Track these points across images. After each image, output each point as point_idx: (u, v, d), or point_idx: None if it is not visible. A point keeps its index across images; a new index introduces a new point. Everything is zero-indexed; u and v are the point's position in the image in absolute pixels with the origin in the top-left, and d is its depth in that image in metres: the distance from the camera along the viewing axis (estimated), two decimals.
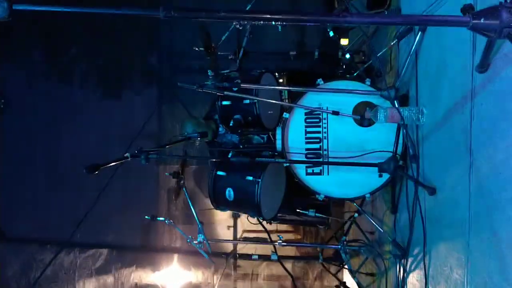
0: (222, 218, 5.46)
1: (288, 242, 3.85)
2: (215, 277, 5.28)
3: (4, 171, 4.70)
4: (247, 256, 4.60)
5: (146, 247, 5.49)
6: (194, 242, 3.15)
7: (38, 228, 5.05)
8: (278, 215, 3.41)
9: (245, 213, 3.19)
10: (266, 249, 4.33)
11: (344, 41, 3.55)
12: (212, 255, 3.36)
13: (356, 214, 3.23)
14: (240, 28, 3.26)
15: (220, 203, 3.08)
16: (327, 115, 2.69)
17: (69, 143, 5.27)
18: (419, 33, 2.39)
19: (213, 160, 3.14)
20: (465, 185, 1.96)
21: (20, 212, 4.96)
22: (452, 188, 2.11)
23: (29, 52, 5.27)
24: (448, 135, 2.17)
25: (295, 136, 2.75)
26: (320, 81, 2.70)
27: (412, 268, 2.62)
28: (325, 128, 2.72)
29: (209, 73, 2.87)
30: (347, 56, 3.23)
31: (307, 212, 3.45)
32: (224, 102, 3.00)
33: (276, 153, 2.87)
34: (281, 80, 3.51)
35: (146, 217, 3.32)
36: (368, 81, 2.65)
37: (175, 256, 5.39)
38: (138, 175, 5.22)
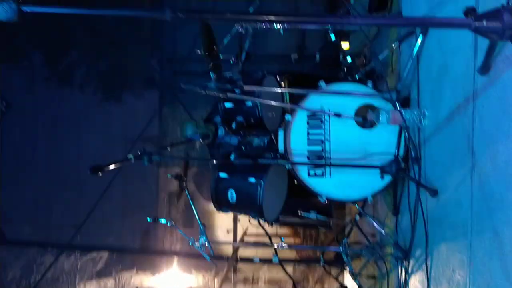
0: (222, 221, 5.46)
1: (290, 245, 3.84)
2: (215, 280, 5.27)
3: (5, 173, 4.71)
4: (248, 260, 4.60)
5: (147, 250, 5.49)
6: (196, 244, 3.15)
7: (39, 231, 5.06)
8: (280, 217, 3.41)
9: (247, 215, 3.19)
10: (267, 253, 4.33)
11: (345, 45, 3.57)
12: (213, 258, 3.37)
13: (357, 217, 3.23)
14: (243, 31, 3.29)
15: (222, 205, 3.09)
16: (329, 117, 2.70)
17: (70, 146, 5.28)
18: (421, 36, 2.41)
19: (215, 162, 3.15)
20: (467, 186, 1.97)
21: (21, 214, 4.97)
22: (454, 189, 2.13)
23: (30, 56, 5.30)
24: (450, 137, 2.19)
25: (297, 138, 2.77)
26: (322, 83, 2.72)
27: (414, 270, 2.63)
28: (327, 130, 2.73)
29: (211, 76, 2.88)
30: (348, 59, 3.26)
31: (308, 214, 3.46)
32: (227, 104, 3.02)
33: (278, 155, 2.88)
34: (282, 83, 3.52)
35: (148, 218, 3.32)
36: (370, 84, 2.67)
37: (176, 259, 5.39)
38: (138, 178, 5.23)
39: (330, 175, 2.77)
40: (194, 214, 3.19)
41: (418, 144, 2.50)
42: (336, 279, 3.87)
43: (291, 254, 5.11)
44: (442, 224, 2.27)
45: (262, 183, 2.84)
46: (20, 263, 4.79)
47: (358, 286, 3.30)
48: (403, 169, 2.53)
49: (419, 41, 2.41)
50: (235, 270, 5.43)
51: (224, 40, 3.32)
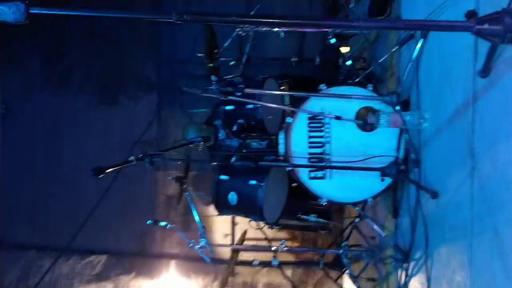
0: (220, 226, 5.46)
1: (290, 248, 3.85)
2: (214, 284, 5.27)
3: (3, 176, 4.70)
4: (248, 263, 4.60)
5: (145, 253, 5.47)
6: (196, 246, 3.16)
7: (37, 234, 5.04)
8: (279, 220, 3.43)
9: (248, 217, 3.21)
10: (266, 257, 4.33)
11: (345, 49, 3.60)
12: (212, 261, 3.37)
13: (357, 219, 3.25)
14: (243, 34, 3.32)
15: (223, 207, 3.10)
16: (330, 120, 2.72)
17: (68, 148, 5.28)
18: (421, 39, 2.45)
19: (216, 164, 3.16)
20: (467, 187, 2.00)
21: (19, 217, 4.95)
22: (454, 191, 2.15)
23: (28, 59, 5.30)
24: (450, 139, 2.21)
25: (298, 140, 2.79)
26: (323, 86, 2.74)
27: (414, 272, 2.65)
28: (328, 132, 2.76)
29: (212, 78, 2.90)
30: (348, 62, 3.29)
31: (308, 217, 3.47)
32: (228, 107, 3.04)
33: (279, 158, 2.90)
34: (283, 87, 3.55)
35: (148, 221, 3.32)
36: (370, 87, 2.70)
37: (175, 263, 5.38)
38: (136, 182, 5.22)
39: (330, 177, 2.79)
40: (194, 216, 3.21)
41: (418, 146, 2.52)
42: (336, 282, 3.88)
43: (290, 258, 5.12)
44: (442, 225, 2.29)
45: (263, 185, 2.86)
46: (18, 266, 4.76)
47: None
48: (403, 172, 2.55)
49: (419, 44, 2.44)
50: (233, 274, 5.42)
51: (224, 43, 3.34)
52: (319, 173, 2.79)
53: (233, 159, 2.90)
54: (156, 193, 5.57)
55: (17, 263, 4.76)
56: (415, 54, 2.49)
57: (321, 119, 2.76)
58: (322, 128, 2.77)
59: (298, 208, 3.50)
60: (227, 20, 1.50)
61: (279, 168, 3.02)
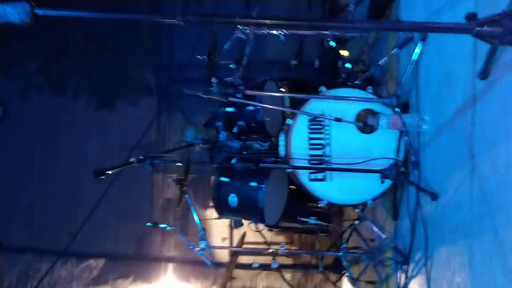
0: (218, 229, 5.47)
1: (289, 250, 3.85)
2: (214, 287, 5.26)
3: (1, 179, 4.69)
4: (247, 266, 4.60)
5: (143, 257, 5.46)
6: (197, 249, 3.16)
7: (35, 237, 5.03)
8: (279, 222, 3.44)
9: (248, 219, 3.21)
10: (265, 260, 4.33)
11: (344, 52, 3.63)
12: (212, 264, 3.37)
13: (357, 221, 3.26)
14: (244, 37, 3.34)
15: (223, 209, 3.10)
16: (330, 122, 2.74)
17: (66, 152, 5.28)
18: (420, 42, 2.47)
19: (217, 166, 3.17)
20: (466, 189, 2.02)
21: (17, 221, 4.94)
22: (454, 192, 2.17)
23: (28, 62, 5.31)
24: (450, 141, 2.23)
25: (298, 142, 2.80)
26: (323, 88, 2.76)
27: (414, 273, 2.66)
28: (328, 134, 2.77)
29: (212, 80, 2.92)
30: (348, 65, 3.31)
31: (308, 220, 3.48)
32: (228, 109, 3.05)
33: (279, 159, 2.92)
34: (282, 89, 3.57)
35: (148, 224, 3.32)
36: (370, 89, 2.72)
37: (173, 267, 5.37)
38: (134, 185, 5.23)
39: (330, 179, 2.81)
40: (194, 219, 3.21)
41: (418, 148, 2.54)
42: (335, 284, 3.88)
43: (289, 262, 5.12)
44: (442, 227, 2.31)
45: (264, 187, 2.87)
46: (16, 270, 4.75)
47: None
48: (403, 173, 2.57)
49: (418, 47, 2.47)
50: (232, 278, 5.42)
51: (225, 45, 3.36)
52: (320, 175, 2.80)
53: (234, 160, 2.90)
54: (155, 197, 5.57)
55: (15, 266, 4.75)
56: (414, 56, 2.52)
57: (321, 121, 2.77)
58: (322, 130, 2.78)
59: (297, 210, 3.51)
60: (230, 21, 1.51)
61: (279, 170, 3.03)
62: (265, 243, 4.15)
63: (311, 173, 2.81)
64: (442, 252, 2.29)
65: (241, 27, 3.24)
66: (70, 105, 5.35)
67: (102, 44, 5.26)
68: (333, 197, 2.82)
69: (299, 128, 2.81)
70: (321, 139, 2.79)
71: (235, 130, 3.05)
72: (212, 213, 5.19)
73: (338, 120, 2.59)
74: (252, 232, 4.77)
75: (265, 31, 3.30)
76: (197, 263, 4.95)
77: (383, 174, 2.56)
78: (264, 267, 3.83)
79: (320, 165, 2.79)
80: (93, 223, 5.06)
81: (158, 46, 5.47)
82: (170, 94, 5.37)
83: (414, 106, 2.62)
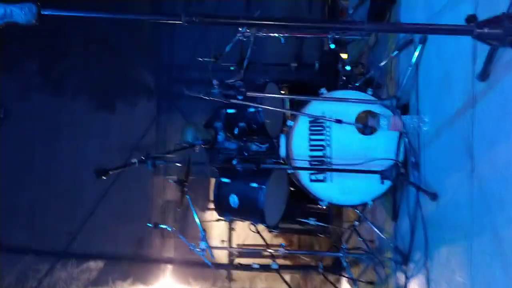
0: (217, 231, 5.48)
1: (290, 251, 3.86)
2: (214, 287, 5.27)
3: (2, 179, 4.69)
4: (247, 266, 4.61)
5: (143, 258, 5.47)
6: (197, 249, 3.16)
7: (35, 238, 5.03)
8: (279, 223, 3.45)
9: (248, 220, 3.23)
10: (264, 262, 4.34)
11: (343, 55, 3.67)
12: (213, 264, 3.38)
13: (357, 222, 3.28)
14: (244, 39, 3.37)
15: (224, 210, 3.13)
16: (330, 123, 2.76)
17: (67, 153, 5.29)
18: (419, 45, 2.50)
19: (218, 167, 3.19)
20: (466, 188, 2.04)
21: (17, 221, 4.94)
22: (454, 192, 2.19)
23: (26, 63, 5.32)
24: (449, 141, 2.26)
25: (299, 143, 2.82)
26: (323, 90, 2.79)
27: (414, 273, 2.67)
28: (328, 136, 2.79)
29: (213, 82, 2.94)
30: (347, 67, 3.34)
31: (307, 221, 3.50)
32: (229, 110, 3.07)
33: (280, 160, 2.93)
34: (283, 91, 3.60)
35: (148, 224, 3.33)
36: (370, 91, 2.74)
37: (172, 268, 5.38)
38: (134, 186, 5.24)
39: (331, 180, 2.83)
40: (195, 219, 3.22)
41: (418, 149, 2.56)
42: (334, 285, 3.90)
43: (288, 263, 5.13)
44: (442, 227, 2.33)
45: (264, 187, 2.89)
46: (16, 270, 4.74)
47: None
48: (402, 174, 2.59)
49: (418, 49, 2.50)
50: (231, 279, 5.43)
51: (226, 48, 3.39)
52: (320, 176, 2.82)
53: (235, 161, 2.92)
54: (154, 198, 5.58)
55: (15, 266, 4.74)
56: (414, 58, 2.54)
57: (322, 122, 2.79)
58: (323, 132, 2.80)
59: (297, 211, 3.53)
60: (234, 22, 1.53)
61: (279, 171, 3.05)
62: (265, 245, 4.14)
63: (311, 174, 2.83)
64: (442, 252, 2.31)
65: (241, 29, 3.27)
66: (71, 106, 5.36)
67: (102, 45, 5.27)
68: (333, 198, 2.84)
69: (300, 129, 2.83)
70: (321, 140, 2.81)
71: (236, 131, 3.07)
72: (211, 215, 5.21)
73: (338, 121, 2.61)
74: (251, 234, 4.79)
75: (266, 34, 3.32)
76: (196, 264, 4.96)
77: (383, 175, 2.58)
78: (264, 268, 3.84)
79: (320, 166, 2.81)
80: (93, 224, 5.06)
81: (158, 46, 5.50)
82: (170, 94, 5.39)
83: (414, 107, 2.65)
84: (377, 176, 2.61)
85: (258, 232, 3.57)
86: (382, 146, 2.73)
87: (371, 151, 2.73)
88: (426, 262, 2.45)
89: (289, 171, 2.89)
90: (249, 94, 2.73)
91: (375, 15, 3.22)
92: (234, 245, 5.46)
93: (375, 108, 2.70)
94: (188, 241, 3.19)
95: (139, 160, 2.74)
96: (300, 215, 3.56)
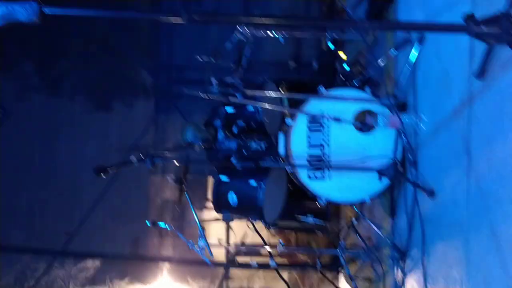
0: (214, 231, 5.49)
1: (288, 248, 3.88)
2: (211, 285, 5.28)
3: (0, 180, 4.69)
4: (246, 265, 4.63)
5: (140, 257, 5.47)
6: (196, 247, 3.18)
7: (33, 237, 5.03)
8: (277, 221, 3.47)
9: (247, 217, 3.25)
10: (262, 261, 4.35)
11: (342, 55, 3.68)
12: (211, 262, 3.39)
13: (354, 220, 3.31)
14: (243, 38, 3.38)
15: (223, 208, 3.14)
16: (329, 121, 2.78)
17: (65, 153, 5.29)
18: (418, 44, 2.53)
19: (217, 165, 3.20)
20: (463, 185, 2.07)
21: (14, 220, 4.94)
22: (451, 189, 2.22)
23: (24, 63, 5.32)
24: (447, 139, 2.28)
25: (298, 141, 2.84)
26: (322, 89, 2.81)
27: (411, 269, 2.70)
28: (327, 134, 2.81)
29: (212, 81, 2.96)
30: (346, 67, 3.36)
31: (306, 219, 3.52)
32: (228, 109, 3.09)
33: (278, 159, 2.95)
34: (281, 90, 3.61)
35: (147, 222, 3.34)
36: (368, 90, 2.76)
37: (170, 267, 5.38)
38: (133, 185, 5.24)
39: (329, 178, 2.85)
40: (193, 216, 3.24)
41: (415, 147, 2.59)
42: (333, 283, 3.92)
43: (285, 262, 5.14)
44: (439, 223, 2.36)
45: (263, 185, 2.90)
46: (13, 269, 4.74)
47: None
48: (400, 172, 2.61)
49: (415, 48, 2.52)
50: (228, 278, 5.44)
51: (224, 46, 3.40)
52: (318, 174, 2.84)
53: (234, 160, 2.94)
54: (152, 197, 5.58)
55: (12, 266, 4.74)
56: (411, 57, 2.57)
57: (320, 121, 2.81)
58: (321, 130, 2.82)
59: (296, 209, 3.55)
60: (234, 20, 1.55)
61: (278, 169, 3.07)
62: (264, 240, 4.16)
63: (310, 171, 2.85)
64: (439, 248, 2.34)
65: (240, 28, 3.28)
66: (69, 106, 5.36)
67: (101, 45, 5.27)
68: (331, 195, 2.86)
69: (299, 127, 2.85)
70: (320, 138, 2.83)
71: (235, 130, 3.08)
72: (209, 214, 5.22)
73: (337, 120, 2.63)
74: (250, 232, 4.81)
75: (265, 33, 3.34)
76: (194, 263, 4.96)
77: (381, 172, 2.61)
78: (262, 266, 3.86)
79: (319, 164, 2.83)
80: (91, 223, 5.06)
81: (157, 46, 5.49)
82: (169, 94, 5.39)
83: (412, 105, 2.67)
84: (375, 174, 2.64)
85: (256, 230, 3.60)
86: (380, 144, 2.75)
87: (369, 149, 2.75)
88: (424, 258, 2.48)
89: (288, 169, 2.91)
90: (248, 93, 2.75)
91: (374, 15, 3.24)
92: (231, 244, 5.47)
93: (374, 107, 2.72)
94: (186, 239, 3.21)
95: (138, 158, 2.75)
96: (299, 213, 3.58)
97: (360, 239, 3.35)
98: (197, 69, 4.25)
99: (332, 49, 3.36)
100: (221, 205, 3.13)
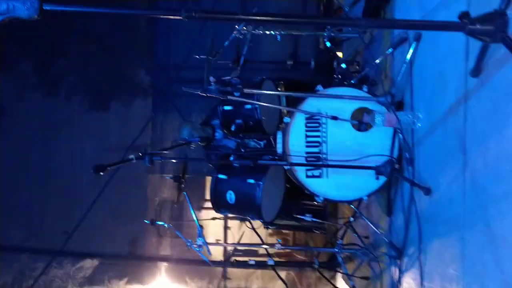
0: (212, 231, 5.51)
1: (285, 246, 3.90)
2: (210, 285, 5.29)
3: None
4: (244, 263, 4.64)
5: (139, 257, 5.48)
6: (194, 245, 3.19)
7: (31, 237, 5.05)
8: (275, 220, 3.48)
9: (245, 216, 3.26)
10: (260, 260, 4.37)
11: (339, 53, 3.71)
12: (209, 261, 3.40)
13: (352, 218, 3.32)
14: (241, 37, 3.40)
15: (221, 207, 3.15)
16: (326, 120, 2.80)
17: (63, 152, 5.31)
18: (414, 42, 2.55)
19: (215, 163, 3.22)
20: (459, 183, 2.08)
21: (13, 220, 4.95)
22: (447, 186, 2.23)
23: (24, 63, 5.33)
24: (442, 137, 2.30)
25: (295, 140, 2.85)
26: (319, 87, 2.82)
27: (408, 267, 2.72)
28: (324, 132, 2.83)
29: (210, 79, 2.97)
30: (343, 65, 3.38)
31: (303, 217, 3.53)
32: (226, 107, 3.10)
33: (276, 157, 2.97)
34: (279, 89, 3.63)
35: (145, 221, 3.35)
36: (365, 88, 2.78)
37: (168, 267, 5.39)
38: (131, 185, 5.26)
39: (327, 176, 2.86)
40: (191, 214, 3.25)
41: (412, 145, 2.61)
42: (330, 281, 3.94)
43: (283, 260, 5.16)
44: (435, 221, 2.37)
45: (261, 183, 2.92)
46: (12, 269, 4.76)
47: (352, 287, 3.37)
48: (397, 170, 2.63)
49: (412, 47, 2.54)
50: (226, 278, 5.45)
51: (223, 45, 3.42)
52: (316, 172, 2.85)
53: (232, 158, 2.95)
54: (150, 197, 5.60)
55: (11, 265, 4.75)
56: (408, 56, 2.59)
57: (318, 119, 2.83)
58: (319, 128, 2.84)
59: (294, 208, 3.56)
60: (233, 18, 1.56)
61: (276, 167, 3.08)
62: (261, 239, 4.16)
63: (307, 170, 2.86)
64: (435, 245, 2.36)
65: (238, 27, 3.30)
66: (67, 106, 5.38)
67: (99, 44, 5.29)
68: (329, 194, 2.88)
69: (296, 126, 2.86)
70: (317, 136, 2.85)
71: (233, 128, 3.10)
72: (206, 214, 5.24)
73: (334, 118, 2.64)
74: (248, 231, 4.82)
75: (262, 31, 3.36)
76: (192, 263, 4.99)
77: (378, 170, 2.62)
78: (260, 265, 3.88)
79: (316, 162, 2.85)
80: (89, 223, 5.08)
81: (155, 46, 5.51)
82: (167, 93, 5.41)
83: (409, 104, 2.69)
84: (372, 172, 2.65)
85: (254, 229, 3.61)
86: (377, 142, 2.77)
87: (366, 147, 2.77)
88: (420, 255, 2.49)
89: (286, 167, 2.92)
90: (246, 91, 2.76)
91: (370, 14, 3.26)
92: (230, 244, 5.48)
93: (370, 105, 2.74)
94: (183, 240, 3.22)
95: (137, 156, 2.75)
96: (296, 212, 3.59)
97: (357, 237, 3.37)
98: (195, 68, 4.28)
99: (330, 47, 3.38)
100: (219, 204, 3.14)
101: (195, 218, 3.21)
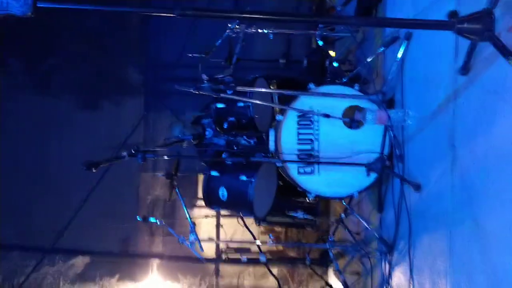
0: (204, 228, 5.51)
1: (277, 242, 3.94)
2: (202, 283, 5.31)
3: None
4: (236, 260, 4.67)
5: (130, 254, 5.48)
6: (186, 242, 3.20)
7: (22, 235, 5.02)
8: (267, 217, 3.51)
9: (237, 212, 3.29)
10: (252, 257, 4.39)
11: (331, 52, 3.74)
12: (202, 258, 3.42)
13: (343, 215, 3.36)
14: (234, 35, 3.42)
15: (213, 203, 3.17)
16: (318, 117, 2.83)
17: (53, 151, 5.28)
18: (405, 41, 2.59)
19: (207, 161, 3.23)
20: (448, 178, 2.13)
21: (3, 218, 4.92)
22: (436, 182, 2.28)
23: (15, 62, 5.29)
24: (432, 134, 2.35)
25: (288, 137, 2.88)
26: (311, 85, 2.85)
27: (398, 262, 2.77)
28: (316, 130, 2.86)
29: (203, 77, 2.98)
30: (335, 64, 3.41)
31: (295, 214, 3.57)
32: (219, 105, 3.12)
33: (268, 154, 2.99)
34: (272, 87, 3.65)
35: (138, 218, 3.36)
36: (356, 86, 2.82)
37: (160, 264, 5.40)
38: (122, 183, 5.25)
39: (318, 173, 2.89)
40: (184, 211, 3.26)
41: (402, 142, 2.65)
42: (322, 277, 3.98)
43: (274, 257, 5.19)
44: (425, 216, 2.42)
45: (253, 180, 2.94)
46: (2, 267, 4.73)
47: (344, 283, 3.41)
48: (388, 167, 2.67)
49: (403, 45, 2.58)
50: (218, 275, 5.47)
51: (216, 43, 3.43)
52: (308, 169, 2.88)
53: (224, 155, 2.97)
54: (142, 195, 5.59)
55: (1, 263, 4.72)
56: (399, 55, 2.63)
57: (310, 117, 2.86)
58: (311, 126, 2.87)
59: (286, 204, 3.59)
60: (226, 15, 1.58)
61: (268, 164, 3.11)
62: (253, 235, 4.20)
63: (299, 167, 2.89)
64: (424, 240, 2.40)
65: (231, 25, 3.32)
66: (58, 105, 5.34)
67: (90, 43, 5.27)
68: (320, 190, 2.91)
69: (289, 124, 2.89)
70: (310, 134, 2.88)
71: (225, 125, 3.12)
72: (199, 212, 5.25)
73: (326, 116, 2.67)
74: (240, 229, 4.85)
75: (255, 30, 3.38)
76: (185, 260, 5.00)
77: (369, 167, 2.66)
78: (252, 261, 3.90)
79: (308, 159, 2.87)
80: (80, 220, 5.06)
81: (146, 44, 5.50)
82: (158, 92, 5.41)
83: (399, 101, 2.73)
84: (363, 169, 2.69)
85: (246, 226, 3.63)
86: (368, 139, 2.80)
87: (357, 144, 2.80)
88: (410, 250, 2.54)
89: (278, 165, 2.95)
90: (239, 89, 2.78)
91: (362, 14, 3.30)
92: (221, 241, 5.50)
93: (362, 103, 2.77)
94: (175, 238, 3.23)
95: (130, 154, 2.76)
96: (289, 208, 3.62)
97: (348, 233, 3.40)
98: (187, 66, 4.28)
99: (322, 46, 3.41)
100: (211, 200, 3.16)
101: (187, 214, 3.22)
